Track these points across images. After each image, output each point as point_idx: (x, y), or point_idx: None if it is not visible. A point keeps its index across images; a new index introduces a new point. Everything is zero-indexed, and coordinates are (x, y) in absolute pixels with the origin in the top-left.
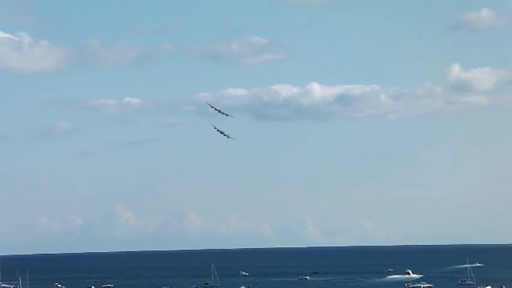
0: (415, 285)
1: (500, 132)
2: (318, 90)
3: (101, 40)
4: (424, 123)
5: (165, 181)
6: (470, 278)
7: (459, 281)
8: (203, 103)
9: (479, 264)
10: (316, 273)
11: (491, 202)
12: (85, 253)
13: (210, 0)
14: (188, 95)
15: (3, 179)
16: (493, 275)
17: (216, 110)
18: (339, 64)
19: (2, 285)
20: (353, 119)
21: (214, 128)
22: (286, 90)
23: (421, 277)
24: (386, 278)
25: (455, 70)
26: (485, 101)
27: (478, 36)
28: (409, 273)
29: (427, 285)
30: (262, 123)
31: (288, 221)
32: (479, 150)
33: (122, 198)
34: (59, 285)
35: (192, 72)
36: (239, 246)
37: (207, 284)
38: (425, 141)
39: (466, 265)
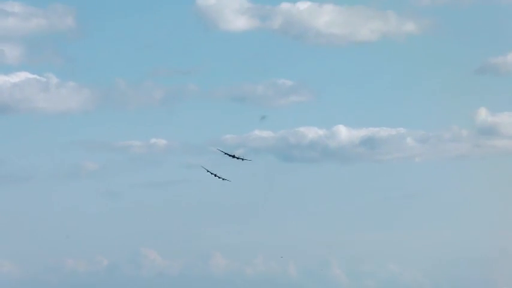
0: None
1: None
2: (344, 133)
3: (127, 81)
4: (450, 166)
5: (191, 222)
6: None
7: None
8: (229, 145)
9: None
10: None
11: None
12: None
13: (236, 41)
14: (214, 136)
15: (29, 220)
16: None
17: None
18: (365, 107)
19: None
20: (379, 161)
21: (207, 171)
22: (312, 132)
23: None
24: None
25: (482, 114)
26: None
27: (504, 80)
28: None
29: None
30: (288, 165)
31: (314, 264)
32: (508, 195)
33: (147, 239)
34: None
35: (218, 114)
36: None
37: None
38: (452, 184)
39: None
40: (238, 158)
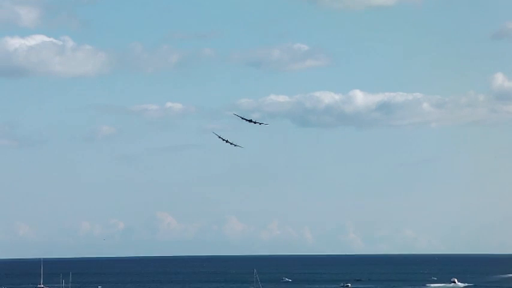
0: None
1: None
2: (361, 98)
3: (143, 44)
4: (467, 131)
5: (206, 186)
6: None
7: None
8: (245, 109)
9: None
10: (359, 280)
11: None
12: (126, 257)
13: (252, 6)
14: (230, 100)
15: (46, 183)
16: None
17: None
18: (381, 71)
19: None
20: (395, 126)
21: (219, 137)
22: (328, 97)
23: (467, 286)
24: (431, 286)
25: (499, 79)
26: None
27: None
28: (454, 282)
29: None
30: (304, 130)
31: (329, 228)
32: None
33: (163, 203)
34: None
35: (234, 78)
36: (281, 253)
37: None
38: (468, 150)
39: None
40: (255, 123)
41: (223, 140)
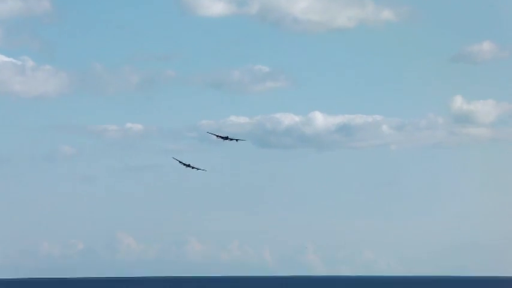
0: None
1: (502, 165)
2: (321, 119)
3: (104, 65)
4: (426, 154)
5: (167, 207)
6: None
7: None
8: (205, 130)
9: None
10: None
11: (492, 235)
12: (85, 278)
13: (214, 28)
14: (190, 121)
15: (4, 203)
16: None
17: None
18: (341, 93)
19: None
20: (355, 148)
21: (180, 162)
22: (288, 119)
23: None
24: None
25: (458, 101)
26: (488, 133)
27: (479, 69)
28: None
29: None
30: (264, 151)
31: (289, 249)
32: (482, 182)
33: (123, 224)
34: None
35: (195, 99)
36: (240, 274)
37: None
38: (427, 172)
39: None
40: (231, 139)
41: (185, 164)
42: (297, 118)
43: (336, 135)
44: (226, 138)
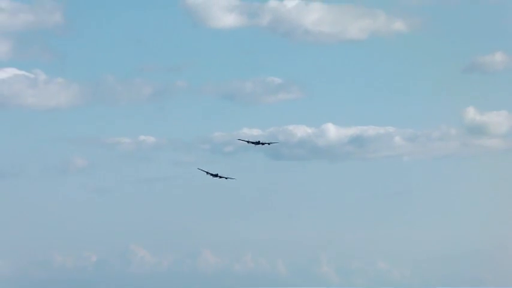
0: None
1: None
2: (333, 131)
3: (115, 77)
4: (439, 165)
5: (179, 219)
6: None
7: None
8: (217, 142)
9: None
10: None
11: (508, 246)
12: None
13: (225, 39)
14: (203, 133)
15: (18, 215)
16: None
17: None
18: (353, 105)
19: None
20: (368, 160)
21: (207, 173)
22: (301, 131)
23: None
24: None
25: (471, 112)
26: (501, 144)
27: (492, 80)
28: None
29: None
30: (277, 163)
31: (303, 261)
32: (496, 193)
33: (136, 236)
34: None
35: (207, 111)
36: (254, 286)
37: None
38: (440, 183)
39: None
40: (263, 144)
41: (212, 175)
42: (309, 130)
43: (349, 146)
44: (258, 143)
